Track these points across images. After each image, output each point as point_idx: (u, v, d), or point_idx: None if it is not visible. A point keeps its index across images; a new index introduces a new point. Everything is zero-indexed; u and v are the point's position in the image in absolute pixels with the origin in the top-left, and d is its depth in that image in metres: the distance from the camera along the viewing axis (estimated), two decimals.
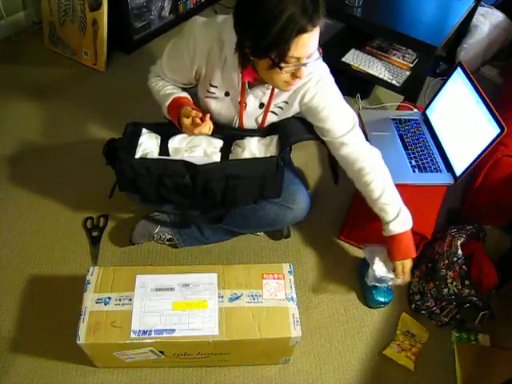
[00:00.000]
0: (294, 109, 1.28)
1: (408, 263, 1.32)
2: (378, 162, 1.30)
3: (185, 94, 1.29)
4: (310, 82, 1.19)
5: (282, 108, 1.27)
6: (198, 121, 1.15)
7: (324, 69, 1.22)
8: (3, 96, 2.10)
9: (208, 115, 1.17)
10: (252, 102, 1.24)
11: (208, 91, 1.25)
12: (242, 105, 1.25)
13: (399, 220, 1.29)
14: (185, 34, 1.17)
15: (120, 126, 1.31)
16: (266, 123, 1.32)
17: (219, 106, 1.28)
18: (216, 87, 1.23)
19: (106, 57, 2.24)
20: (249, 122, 1.31)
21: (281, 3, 0.93)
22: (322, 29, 1.00)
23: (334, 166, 1.36)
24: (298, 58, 1.01)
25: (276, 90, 1.21)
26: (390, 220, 1.28)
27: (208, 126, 1.16)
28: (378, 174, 1.28)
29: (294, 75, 1.07)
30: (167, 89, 1.29)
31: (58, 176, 1.80)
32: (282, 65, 1.02)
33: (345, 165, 1.30)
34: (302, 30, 0.95)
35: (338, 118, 1.24)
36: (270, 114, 1.28)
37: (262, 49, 1.00)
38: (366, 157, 1.27)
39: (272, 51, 0.99)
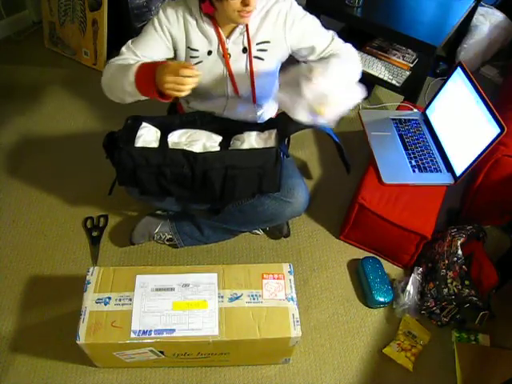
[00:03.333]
0: (280, 48, 1.30)
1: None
2: (352, 53, 1.37)
3: (149, 60, 1.21)
4: (283, 9, 1.24)
5: (265, 50, 1.29)
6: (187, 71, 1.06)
7: None
8: (3, 96, 2.10)
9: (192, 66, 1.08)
10: (234, 49, 1.27)
11: (191, 57, 1.27)
12: (226, 56, 1.26)
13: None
14: (154, 19, 1.25)
15: (120, 125, 1.31)
16: (257, 75, 1.31)
17: (206, 69, 1.29)
18: (197, 50, 1.26)
19: (106, 57, 2.24)
20: (239, 75, 1.31)
21: None
22: None
23: (343, 155, 1.38)
24: None
25: (250, 30, 1.24)
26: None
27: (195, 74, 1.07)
28: (347, 56, 1.33)
29: (243, 3, 1.11)
30: (128, 61, 1.21)
31: (58, 176, 1.80)
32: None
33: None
34: None
35: (320, 33, 1.32)
36: (255, 60, 1.29)
37: None
38: (341, 48, 1.34)
39: None
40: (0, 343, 1.35)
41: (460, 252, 1.46)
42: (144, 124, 1.31)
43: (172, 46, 1.28)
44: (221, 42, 1.25)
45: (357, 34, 2.18)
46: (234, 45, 1.26)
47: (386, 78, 2.06)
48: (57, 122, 2.01)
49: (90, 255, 1.57)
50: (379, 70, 2.08)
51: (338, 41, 1.34)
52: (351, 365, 1.39)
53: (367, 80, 2.10)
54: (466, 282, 1.39)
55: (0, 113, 2.02)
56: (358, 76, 1.27)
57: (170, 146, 1.29)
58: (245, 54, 1.28)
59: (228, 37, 1.25)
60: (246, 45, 1.26)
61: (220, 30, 1.24)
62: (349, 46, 1.37)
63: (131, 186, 1.33)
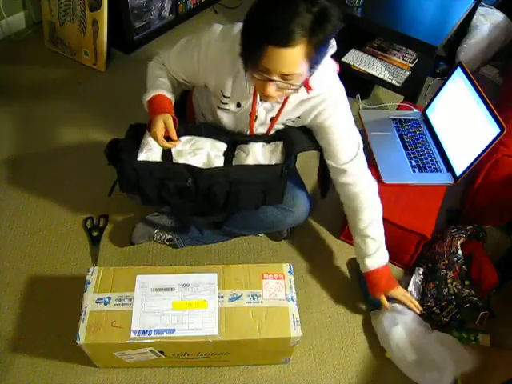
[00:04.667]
0: (305, 123, 1.26)
1: (397, 293, 1.37)
2: (374, 196, 1.32)
3: (170, 96, 1.25)
4: (327, 101, 1.17)
5: (293, 121, 1.27)
6: (166, 144, 1.19)
7: (341, 89, 1.21)
8: (3, 96, 2.10)
9: (177, 143, 1.22)
10: (262, 114, 1.23)
11: (221, 102, 1.23)
12: (252, 117, 1.23)
13: (377, 255, 1.32)
14: (201, 36, 1.16)
15: (120, 125, 1.31)
16: (273, 131, 1.31)
17: (231, 118, 1.27)
18: (228, 98, 1.21)
19: (106, 57, 2.24)
20: (259, 132, 1.30)
21: (285, 7, 0.90)
22: (311, 51, 0.95)
23: (324, 177, 1.35)
24: (268, 70, 0.97)
25: (286, 108, 1.19)
26: (369, 254, 1.32)
27: (168, 147, 1.21)
28: (371, 206, 1.30)
29: (262, 88, 1.04)
30: (159, 80, 1.26)
31: (58, 176, 1.80)
32: (252, 69, 1.00)
33: (341, 190, 1.31)
34: (274, 42, 0.91)
35: (345, 144, 1.24)
36: (278, 125, 1.28)
37: (245, 45, 0.99)
38: (364, 188, 1.29)
39: (248, 50, 0.98)
40: (0, 343, 1.35)
41: (460, 252, 1.46)
42: (147, 133, 1.30)
43: (203, 80, 1.24)
44: (254, 102, 1.19)
45: (357, 33, 2.19)
46: (264, 110, 1.22)
47: (386, 78, 2.06)
48: (57, 122, 2.01)
49: (90, 255, 1.57)
50: (379, 70, 2.08)
51: (360, 163, 1.26)
52: (351, 365, 1.39)
53: (367, 80, 2.11)
54: (466, 282, 1.39)
55: (0, 113, 2.02)
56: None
57: (174, 153, 1.26)
58: (271, 122, 1.26)
59: (262, 100, 1.18)
60: (275, 116, 1.23)
61: (257, 90, 1.15)
62: (368, 176, 1.30)
63: (133, 193, 1.32)
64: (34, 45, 2.37)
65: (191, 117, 1.48)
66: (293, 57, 0.93)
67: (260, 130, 1.29)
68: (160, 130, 1.17)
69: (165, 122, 1.18)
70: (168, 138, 1.20)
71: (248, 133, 1.30)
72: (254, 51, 0.95)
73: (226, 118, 1.28)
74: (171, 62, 1.28)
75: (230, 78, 1.17)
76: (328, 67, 1.14)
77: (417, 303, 1.39)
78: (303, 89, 1.10)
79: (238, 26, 1.11)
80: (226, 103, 1.23)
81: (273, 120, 1.25)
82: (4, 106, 2.05)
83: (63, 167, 1.83)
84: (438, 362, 1.30)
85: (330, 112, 1.19)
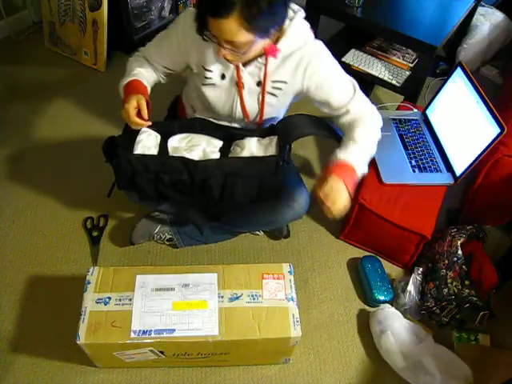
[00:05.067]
0: (294, 89, 1.27)
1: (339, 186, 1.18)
2: (376, 119, 1.31)
3: (145, 82, 1.30)
4: (308, 56, 1.21)
5: (280, 89, 1.27)
6: (137, 119, 1.21)
7: (318, 43, 1.24)
8: (3, 96, 2.10)
9: (148, 123, 1.23)
10: (249, 79, 1.25)
11: (205, 77, 1.26)
12: (239, 85, 1.25)
13: (354, 155, 1.23)
14: (177, 21, 1.25)
15: (120, 125, 1.31)
16: (267, 106, 1.31)
17: (218, 92, 1.28)
18: (211, 71, 1.24)
19: (106, 57, 2.24)
20: (250, 104, 1.30)
21: None
22: (257, 27, 1.04)
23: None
24: (215, 37, 1.08)
25: (269, 66, 1.22)
26: (346, 149, 1.24)
27: (138, 123, 1.22)
28: (369, 128, 1.28)
29: (218, 50, 1.12)
30: (135, 70, 1.31)
31: (58, 176, 1.80)
32: (206, 33, 1.10)
33: (346, 128, 1.29)
34: (211, 14, 1.03)
35: (340, 88, 1.27)
36: (268, 95, 1.28)
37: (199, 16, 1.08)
38: (366, 116, 1.29)
39: (200, 21, 1.08)
40: (0, 343, 1.35)
41: (460, 252, 1.46)
42: (144, 129, 1.31)
43: (185, 61, 1.28)
44: (237, 69, 1.22)
45: (357, 33, 2.19)
46: (250, 76, 1.24)
47: (386, 78, 2.06)
48: (57, 122, 2.01)
49: (90, 255, 1.57)
50: (379, 70, 2.08)
51: (359, 99, 1.28)
52: (351, 365, 1.39)
53: (367, 80, 2.11)
54: (466, 282, 1.39)
55: (0, 113, 2.02)
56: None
57: (170, 150, 1.28)
58: (259, 87, 1.26)
59: (244, 65, 1.22)
60: (262, 79, 1.24)
61: None
62: (370, 108, 1.30)
63: (130, 190, 1.33)
64: (34, 45, 2.37)
65: (183, 117, 1.51)
66: (229, 27, 1.03)
67: (251, 103, 1.30)
68: (132, 107, 1.19)
69: (138, 101, 1.20)
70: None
71: (239, 107, 1.30)
72: (202, 21, 1.08)
73: (213, 94, 1.29)
74: (151, 52, 1.33)
75: (210, 49, 1.21)
76: (299, 29, 1.20)
77: (331, 207, 1.17)
78: (284, 47, 1.19)
79: None
80: (210, 77, 1.25)
81: (261, 85, 1.25)
82: (4, 106, 2.05)
83: (63, 167, 1.83)
84: (432, 372, 1.30)
85: (316, 64, 1.22)
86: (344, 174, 1.19)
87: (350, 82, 1.28)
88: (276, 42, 1.18)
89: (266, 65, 1.21)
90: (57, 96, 2.12)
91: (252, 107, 1.31)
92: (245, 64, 1.22)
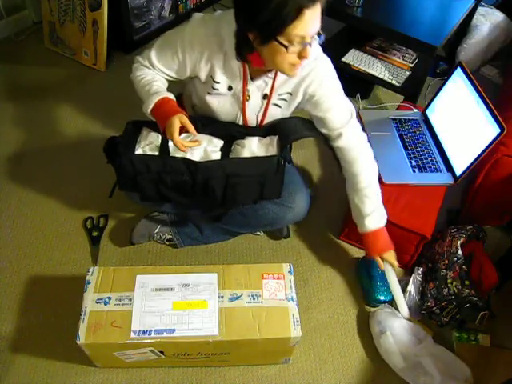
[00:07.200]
0: (298, 100, 1.28)
1: (389, 256, 1.39)
2: (370, 160, 1.36)
3: (171, 96, 1.25)
4: (316, 70, 1.21)
5: (285, 100, 1.27)
6: (190, 144, 1.21)
7: (327, 60, 1.24)
8: (3, 96, 2.10)
9: (198, 143, 1.23)
10: (255, 93, 1.24)
11: (213, 88, 1.24)
12: (244, 97, 1.24)
13: (375, 215, 1.34)
14: (182, 28, 1.18)
15: (120, 125, 1.31)
16: (268, 118, 1.31)
17: (222, 102, 1.28)
18: (219, 83, 1.22)
19: (106, 57, 2.24)
20: (251, 115, 1.30)
21: None
22: (324, 6, 1.02)
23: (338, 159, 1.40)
24: (303, 37, 1.01)
25: (277, 81, 1.21)
26: (367, 213, 1.34)
27: (192, 146, 1.22)
28: (368, 167, 1.34)
29: (300, 55, 1.06)
30: (153, 85, 1.24)
31: (58, 176, 1.80)
32: (287, 44, 1.01)
33: (340, 154, 1.34)
34: (303, 5, 0.96)
35: (338, 109, 1.27)
36: (272, 106, 1.28)
37: (266, 30, 1.00)
38: (361, 150, 1.33)
39: (277, 31, 1.00)
40: (0, 343, 1.35)
41: (460, 252, 1.46)
42: (145, 129, 1.31)
43: (191, 72, 1.24)
44: (244, 81, 1.21)
45: (357, 33, 2.19)
46: (257, 89, 1.23)
47: (386, 78, 2.06)
48: (57, 122, 2.01)
49: (90, 255, 1.57)
50: (379, 70, 2.08)
51: (353, 126, 1.30)
52: (351, 365, 1.39)
53: (367, 80, 2.11)
54: (466, 282, 1.39)
55: (0, 113, 2.02)
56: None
57: (171, 149, 1.27)
58: (264, 101, 1.26)
59: (252, 79, 1.21)
60: (268, 92, 1.24)
61: (247, 70, 1.19)
62: (364, 137, 1.34)
63: (132, 191, 1.32)
64: (33, 45, 2.37)
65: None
66: (318, 11, 1.01)
67: (253, 114, 1.30)
68: (177, 131, 1.15)
69: (180, 120, 1.16)
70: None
71: (240, 118, 1.30)
72: (285, 24, 0.98)
73: (217, 102, 1.28)
74: (154, 62, 1.26)
75: (219, 62, 1.18)
76: (314, 44, 1.17)
77: (395, 263, 1.41)
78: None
79: (218, 12, 1.18)
80: (218, 89, 1.24)
81: (267, 98, 1.25)
82: (4, 106, 2.05)
83: (63, 167, 1.83)
84: (431, 373, 1.30)
85: (319, 81, 1.22)
86: (381, 241, 1.38)
87: (348, 108, 1.29)
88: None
89: (274, 79, 1.21)
90: (57, 96, 2.12)
91: (253, 117, 1.31)
92: (253, 78, 1.21)
